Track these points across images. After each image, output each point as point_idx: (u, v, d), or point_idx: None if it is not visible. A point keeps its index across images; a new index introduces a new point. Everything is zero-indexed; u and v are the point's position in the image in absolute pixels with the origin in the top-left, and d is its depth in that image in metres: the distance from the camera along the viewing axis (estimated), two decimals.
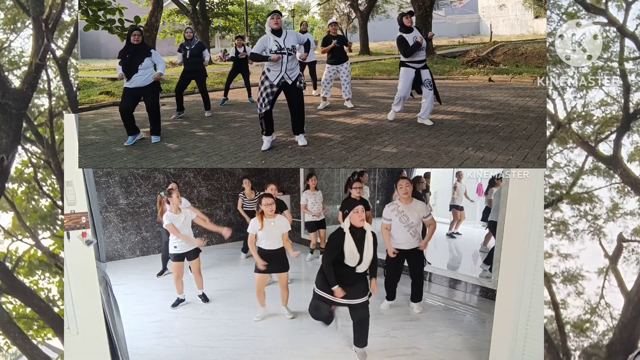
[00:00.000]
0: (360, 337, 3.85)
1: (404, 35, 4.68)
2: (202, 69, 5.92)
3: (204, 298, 5.23)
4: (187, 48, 5.77)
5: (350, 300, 3.67)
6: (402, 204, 4.50)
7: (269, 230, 4.35)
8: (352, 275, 3.63)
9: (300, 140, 4.51)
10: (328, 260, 3.63)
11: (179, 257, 4.93)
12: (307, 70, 6.65)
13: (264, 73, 4.31)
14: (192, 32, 5.89)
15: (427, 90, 4.83)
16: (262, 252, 4.44)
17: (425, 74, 4.80)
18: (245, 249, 7.02)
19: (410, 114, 5.34)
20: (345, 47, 5.85)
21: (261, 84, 4.33)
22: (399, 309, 4.94)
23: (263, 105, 4.31)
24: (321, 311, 3.79)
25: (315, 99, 6.36)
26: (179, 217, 4.83)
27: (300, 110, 4.44)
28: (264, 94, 4.30)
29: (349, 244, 3.54)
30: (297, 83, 4.32)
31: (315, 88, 6.83)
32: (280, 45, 4.17)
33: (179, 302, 5.12)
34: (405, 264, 4.75)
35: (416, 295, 4.85)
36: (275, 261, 4.45)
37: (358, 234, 3.56)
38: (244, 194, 6.55)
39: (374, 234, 3.63)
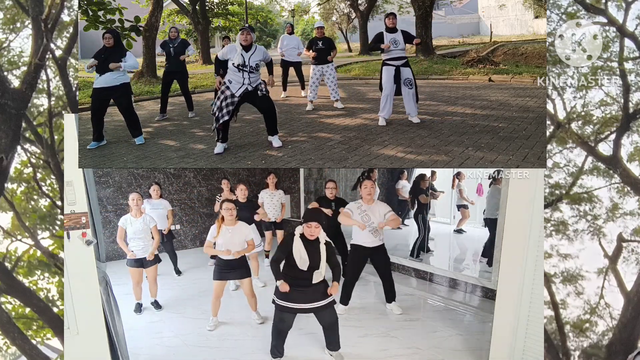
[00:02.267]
0: (332, 341, 3.80)
1: (385, 33, 4.86)
2: (183, 69, 5.88)
3: (157, 305, 5.05)
4: (171, 46, 5.73)
5: (311, 304, 3.57)
6: (364, 204, 4.53)
7: (226, 239, 4.20)
8: (309, 279, 3.53)
9: (275, 141, 4.51)
10: (274, 258, 3.59)
11: (137, 263, 4.77)
12: (292, 71, 6.66)
13: (224, 83, 4.30)
14: (176, 32, 5.86)
15: (407, 89, 4.91)
16: (220, 262, 4.31)
17: (405, 73, 4.90)
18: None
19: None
20: (332, 52, 5.77)
21: (221, 93, 4.31)
22: (399, 309, 4.94)
23: (222, 115, 4.29)
24: (286, 322, 3.67)
25: (304, 100, 6.32)
26: (137, 220, 4.68)
27: (271, 113, 4.45)
28: (224, 104, 4.28)
29: (298, 247, 3.46)
30: (259, 92, 4.32)
31: (303, 88, 6.79)
32: (244, 61, 4.20)
33: (139, 307, 4.95)
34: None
35: (390, 296, 4.83)
36: (235, 268, 4.31)
37: (311, 244, 3.48)
38: (221, 196, 6.34)
39: (328, 244, 3.52)
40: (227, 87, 4.29)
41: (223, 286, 4.44)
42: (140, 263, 4.79)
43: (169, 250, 6.19)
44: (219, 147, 4.46)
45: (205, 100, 6.77)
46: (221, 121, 4.32)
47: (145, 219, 4.74)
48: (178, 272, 6.30)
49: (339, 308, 4.78)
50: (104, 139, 4.83)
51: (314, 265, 3.50)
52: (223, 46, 6.57)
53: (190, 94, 6.08)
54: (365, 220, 4.49)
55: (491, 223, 5.46)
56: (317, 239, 3.49)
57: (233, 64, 4.22)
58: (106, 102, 4.67)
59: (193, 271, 6.52)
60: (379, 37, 4.87)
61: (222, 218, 4.22)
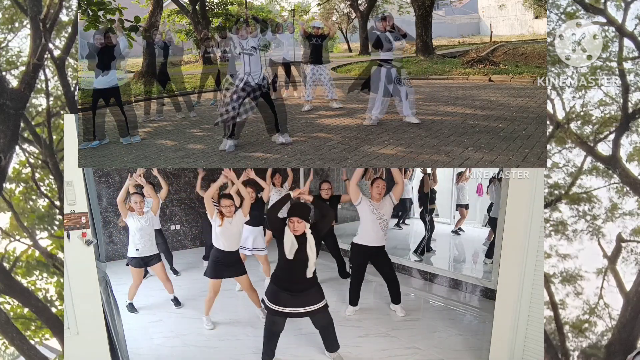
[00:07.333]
0: (330, 343, 3.79)
1: (379, 34, 4.85)
2: (162, 71, 5.94)
3: (176, 302, 5.04)
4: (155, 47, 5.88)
5: (304, 308, 3.54)
6: (374, 202, 4.51)
7: (227, 229, 4.21)
8: (301, 283, 3.48)
9: (284, 139, 4.53)
10: (270, 208, 3.58)
11: (140, 263, 4.71)
12: (294, 70, 6.68)
13: (227, 80, 4.39)
14: (160, 35, 5.93)
15: (400, 87, 4.91)
16: (219, 255, 4.29)
17: (394, 72, 4.92)
18: (206, 257, 6.57)
19: None
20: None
21: (226, 90, 4.39)
22: (403, 311, 4.93)
23: (230, 109, 4.34)
24: (277, 325, 3.63)
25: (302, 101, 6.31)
26: (142, 218, 4.61)
27: (271, 110, 4.49)
28: (229, 97, 4.34)
29: (289, 234, 3.38)
30: (261, 87, 4.36)
31: (295, 89, 6.83)
32: (243, 46, 4.33)
33: (132, 307, 4.92)
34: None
35: (395, 297, 4.79)
36: (230, 265, 4.32)
37: (298, 238, 3.41)
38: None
39: (314, 225, 3.47)
40: (231, 83, 4.36)
41: (219, 284, 4.42)
42: (144, 262, 4.76)
43: (163, 250, 6.17)
44: (229, 145, 4.45)
45: (204, 100, 6.76)
46: (231, 115, 4.37)
47: (150, 217, 4.72)
48: (175, 272, 6.27)
49: (348, 309, 4.80)
50: (106, 137, 4.87)
51: (302, 257, 3.40)
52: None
53: (174, 95, 6.11)
54: (376, 213, 4.47)
55: (495, 222, 5.47)
56: (304, 234, 3.41)
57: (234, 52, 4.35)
58: (102, 101, 4.75)
59: (193, 271, 6.50)
60: (378, 38, 4.83)
61: (221, 212, 4.22)
